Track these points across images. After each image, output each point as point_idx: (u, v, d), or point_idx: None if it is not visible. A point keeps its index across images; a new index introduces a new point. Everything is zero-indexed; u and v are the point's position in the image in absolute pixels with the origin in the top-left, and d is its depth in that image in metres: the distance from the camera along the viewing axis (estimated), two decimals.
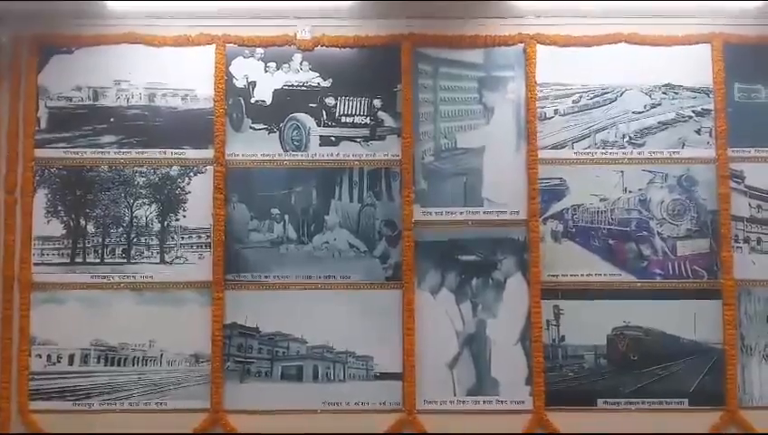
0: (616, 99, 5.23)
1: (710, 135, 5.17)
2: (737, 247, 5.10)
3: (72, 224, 5.20)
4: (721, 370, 5.00)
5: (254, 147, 5.21)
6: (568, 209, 5.17)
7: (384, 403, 5.00)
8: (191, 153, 5.20)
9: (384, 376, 5.02)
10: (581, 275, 5.11)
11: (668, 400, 5.01)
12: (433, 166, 5.22)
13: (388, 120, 5.23)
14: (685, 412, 4.99)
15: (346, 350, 5.05)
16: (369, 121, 5.24)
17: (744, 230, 5.12)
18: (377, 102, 5.25)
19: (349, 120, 5.25)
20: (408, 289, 5.05)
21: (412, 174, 5.15)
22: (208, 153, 5.18)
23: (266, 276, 5.11)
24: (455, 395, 5.02)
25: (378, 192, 5.19)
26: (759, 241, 5.13)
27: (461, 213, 5.18)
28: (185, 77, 5.25)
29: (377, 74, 5.26)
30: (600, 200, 5.17)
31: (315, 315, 5.06)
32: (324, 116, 5.25)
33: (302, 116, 5.25)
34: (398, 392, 4.99)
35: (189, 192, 5.19)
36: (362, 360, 5.04)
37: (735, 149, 5.15)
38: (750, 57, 5.21)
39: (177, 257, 5.15)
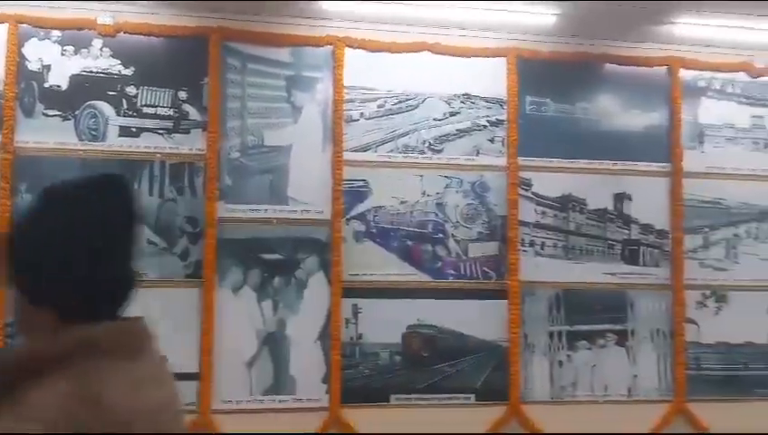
0: (418, 105, 5.41)
1: (502, 144, 5.46)
2: (523, 251, 5.43)
3: None
4: (506, 366, 5.32)
5: (46, 134, 4.92)
6: (370, 210, 5.29)
7: None
8: None
9: (179, 376, 4.84)
10: (381, 274, 5.25)
11: (456, 395, 5.25)
12: (239, 162, 5.17)
13: (194, 114, 5.11)
14: (471, 407, 5.25)
15: None
16: (172, 114, 5.10)
17: (530, 235, 5.46)
18: (182, 94, 5.12)
19: (151, 110, 5.08)
20: (208, 287, 4.96)
21: (217, 170, 5.07)
22: None
23: None
24: (251, 394, 5.00)
25: (180, 187, 5.06)
26: (543, 245, 5.49)
27: (266, 211, 5.16)
28: None
29: (183, 66, 5.13)
30: (401, 203, 5.33)
31: None
32: (125, 105, 5.05)
33: (100, 104, 5.02)
34: (194, 393, 4.89)
35: None
36: None
37: (525, 158, 5.47)
38: (541, 72, 5.54)
39: None
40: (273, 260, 5.14)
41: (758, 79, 5.87)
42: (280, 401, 5.03)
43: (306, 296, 5.14)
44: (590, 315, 5.48)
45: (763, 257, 5.78)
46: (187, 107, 5.11)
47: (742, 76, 5.85)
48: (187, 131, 5.10)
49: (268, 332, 5.08)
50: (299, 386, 5.06)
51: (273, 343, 5.07)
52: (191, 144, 5.09)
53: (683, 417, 5.53)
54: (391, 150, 5.35)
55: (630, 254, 5.60)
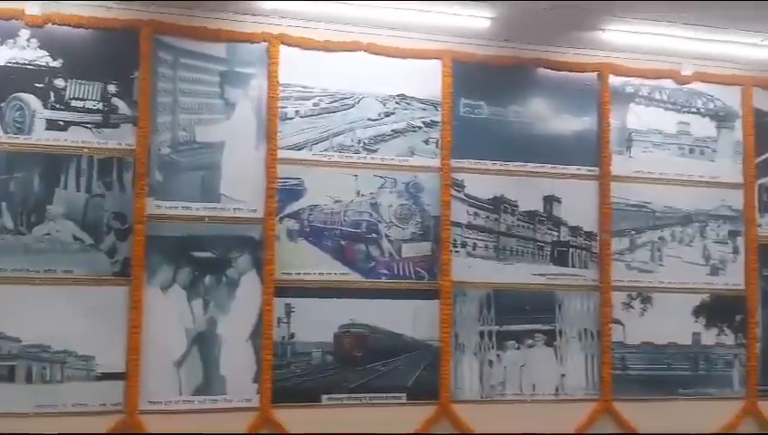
0: (353, 105, 5.40)
1: (437, 145, 5.51)
2: (455, 251, 5.48)
3: None
4: (437, 366, 5.35)
5: None
6: (304, 209, 5.27)
7: (104, 404, 4.78)
8: None
9: (106, 376, 4.79)
10: (314, 273, 5.23)
11: (388, 394, 5.27)
12: (170, 158, 5.08)
13: (123, 108, 5.01)
14: (402, 406, 5.27)
15: (65, 349, 4.75)
16: (102, 107, 4.98)
17: (461, 235, 5.52)
18: (111, 88, 5.00)
19: (80, 104, 4.95)
20: (136, 285, 4.86)
21: (147, 165, 4.97)
22: None
23: None
24: (180, 394, 4.92)
25: (108, 182, 4.95)
26: (475, 246, 5.55)
27: (197, 208, 5.09)
28: None
29: (113, 59, 5.02)
30: (335, 202, 5.32)
31: (32, 312, 4.71)
32: (52, 98, 4.91)
33: (26, 96, 4.87)
34: (120, 393, 4.80)
35: None
36: (83, 359, 4.77)
37: (458, 160, 5.53)
38: (476, 74, 5.60)
39: None
40: (205, 258, 5.06)
41: (684, 86, 6.05)
42: (210, 402, 4.97)
43: (238, 295, 5.09)
44: (520, 316, 5.57)
45: (687, 260, 5.96)
46: (116, 101, 5.00)
47: (669, 83, 6.03)
48: (116, 126, 4.99)
49: (198, 331, 5.00)
50: (229, 386, 5.00)
51: (204, 342, 5.00)
52: (120, 139, 4.98)
53: (609, 416, 5.66)
54: (326, 149, 5.33)
55: (559, 255, 5.71)
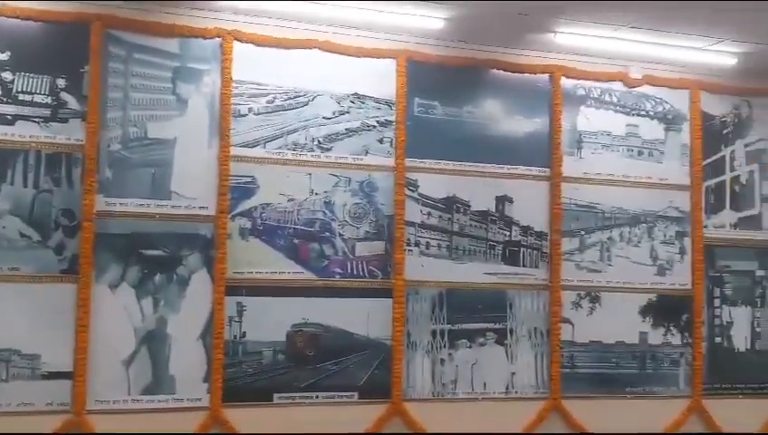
0: (308, 103, 5.39)
1: (391, 145, 5.52)
2: (409, 250, 5.51)
3: None
4: (389, 364, 5.36)
5: None
6: (257, 208, 5.23)
7: (51, 404, 4.69)
8: None
9: (52, 375, 4.70)
10: (266, 272, 5.20)
11: (340, 393, 5.27)
12: (120, 154, 5.00)
13: (73, 103, 4.91)
14: (354, 405, 5.28)
15: (10, 348, 4.65)
16: (50, 102, 4.88)
17: (415, 235, 5.55)
18: (60, 82, 4.91)
19: (27, 97, 4.85)
20: (84, 283, 4.78)
21: (96, 161, 4.89)
22: None
23: None
24: (129, 394, 4.85)
25: (56, 178, 4.85)
26: (428, 245, 5.58)
27: (148, 205, 5.02)
28: None
29: (62, 52, 4.92)
30: (288, 200, 5.29)
31: None
32: None
33: None
34: (68, 392, 4.72)
35: None
36: (28, 358, 4.67)
37: (412, 159, 5.55)
38: (430, 75, 5.63)
39: None
40: (155, 256, 5.00)
41: (633, 89, 6.16)
42: (159, 401, 4.91)
43: (188, 294, 5.04)
44: (472, 314, 5.62)
45: (635, 260, 6.07)
46: (65, 95, 4.91)
47: (618, 86, 6.13)
48: (65, 120, 4.90)
49: (147, 330, 4.94)
50: (179, 385, 4.95)
51: (153, 341, 4.94)
52: (69, 134, 4.89)
53: (558, 414, 5.74)
54: (280, 147, 5.30)
55: (511, 255, 5.77)
